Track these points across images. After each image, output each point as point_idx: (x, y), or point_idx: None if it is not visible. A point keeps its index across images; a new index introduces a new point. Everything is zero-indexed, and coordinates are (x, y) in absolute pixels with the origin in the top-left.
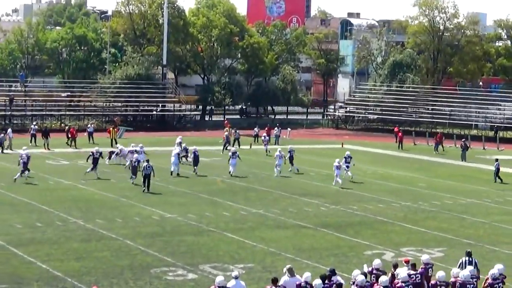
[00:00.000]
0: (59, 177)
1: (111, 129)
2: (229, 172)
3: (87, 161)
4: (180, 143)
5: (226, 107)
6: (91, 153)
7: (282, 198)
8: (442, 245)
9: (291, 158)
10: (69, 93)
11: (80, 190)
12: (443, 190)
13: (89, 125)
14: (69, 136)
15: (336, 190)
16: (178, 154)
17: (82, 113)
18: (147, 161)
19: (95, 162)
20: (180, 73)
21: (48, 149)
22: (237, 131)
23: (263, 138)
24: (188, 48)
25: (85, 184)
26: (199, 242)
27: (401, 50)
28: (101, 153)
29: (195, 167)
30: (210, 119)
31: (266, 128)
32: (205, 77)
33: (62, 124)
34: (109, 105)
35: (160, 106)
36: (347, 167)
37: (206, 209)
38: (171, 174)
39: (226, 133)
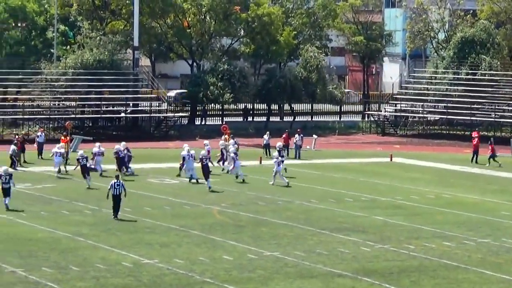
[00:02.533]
0: None
1: (63, 138)
2: (236, 177)
3: (75, 169)
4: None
5: (225, 106)
6: (77, 160)
7: (307, 234)
8: None
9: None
10: (1, 88)
11: (19, 226)
12: None
13: (39, 133)
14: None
15: (383, 222)
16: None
17: (20, 116)
18: (117, 177)
19: (86, 170)
20: (158, 58)
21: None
22: (236, 140)
23: (277, 151)
24: (170, 23)
25: (25, 217)
26: None
27: (473, 23)
28: (86, 158)
29: None
30: (203, 123)
31: (283, 136)
32: (195, 64)
33: None
34: (58, 104)
35: (131, 105)
36: None
37: (199, 252)
38: (190, 181)
39: (223, 142)
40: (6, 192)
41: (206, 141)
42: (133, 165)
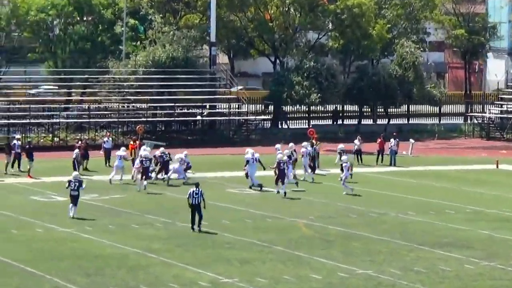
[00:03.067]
0: (51, 222)
1: (132, 143)
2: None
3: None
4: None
5: (312, 107)
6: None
7: (403, 250)
8: None
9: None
10: (65, 89)
11: (84, 241)
12: None
13: (105, 139)
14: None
15: (489, 236)
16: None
17: (86, 120)
18: (197, 185)
19: (75, 198)
20: (238, 55)
21: (30, 176)
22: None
23: (338, 153)
24: (250, 16)
25: (92, 231)
26: None
27: None
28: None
29: None
30: (286, 126)
31: (377, 140)
32: (278, 61)
33: (56, 138)
34: (127, 106)
35: (208, 107)
36: None
37: (284, 270)
38: (255, 187)
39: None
40: (74, 199)
41: (277, 145)
42: (210, 173)
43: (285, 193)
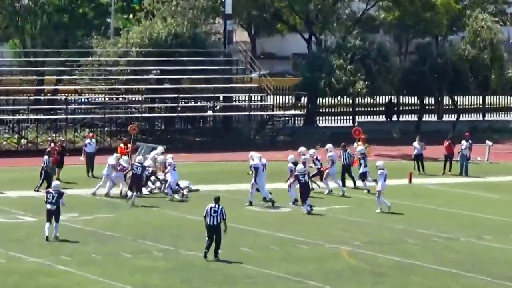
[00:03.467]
0: (17, 249)
1: (122, 146)
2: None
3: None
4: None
5: (358, 99)
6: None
7: (477, 286)
8: None
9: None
10: (35, 76)
11: (60, 274)
12: None
13: (87, 141)
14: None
15: None
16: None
17: (62, 116)
18: (216, 200)
19: (52, 214)
20: (261, 31)
21: None
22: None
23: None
24: None
25: (70, 261)
26: None
27: None
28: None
29: None
30: (322, 123)
31: (444, 143)
32: (313, 39)
33: (23, 140)
34: (116, 98)
35: (221, 99)
36: None
37: None
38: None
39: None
40: (51, 215)
41: (302, 148)
42: (223, 185)
43: (308, 210)
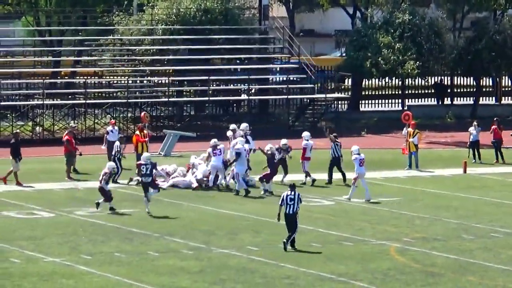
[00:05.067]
0: (33, 249)
1: (138, 133)
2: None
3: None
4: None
5: (408, 81)
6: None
7: None
8: None
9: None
10: (51, 57)
11: (80, 275)
12: None
13: (109, 128)
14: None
15: None
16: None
17: (81, 101)
18: (292, 187)
19: (148, 186)
20: (300, 5)
21: (5, 180)
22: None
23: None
24: None
25: (91, 261)
26: None
27: None
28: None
29: None
30: (367, 107)
31: (492, 127)
32: (358, 14)
33: (38, 127)
34: (140, 82)
35: (257, 82)
36: None
37: None
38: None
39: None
40: (147, 188)
41: (306, 133)
42: (257, 176)
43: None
